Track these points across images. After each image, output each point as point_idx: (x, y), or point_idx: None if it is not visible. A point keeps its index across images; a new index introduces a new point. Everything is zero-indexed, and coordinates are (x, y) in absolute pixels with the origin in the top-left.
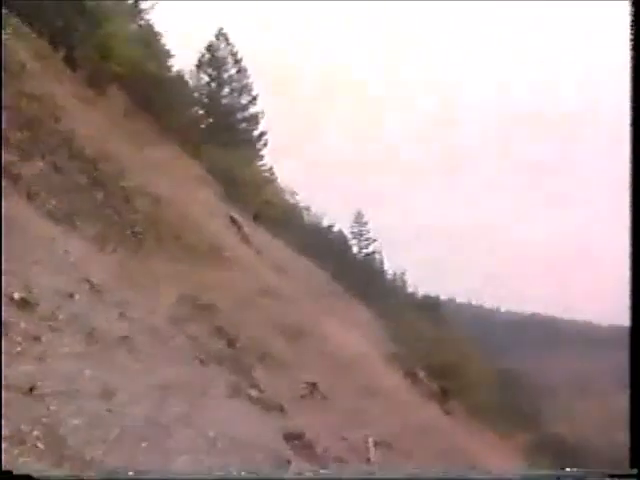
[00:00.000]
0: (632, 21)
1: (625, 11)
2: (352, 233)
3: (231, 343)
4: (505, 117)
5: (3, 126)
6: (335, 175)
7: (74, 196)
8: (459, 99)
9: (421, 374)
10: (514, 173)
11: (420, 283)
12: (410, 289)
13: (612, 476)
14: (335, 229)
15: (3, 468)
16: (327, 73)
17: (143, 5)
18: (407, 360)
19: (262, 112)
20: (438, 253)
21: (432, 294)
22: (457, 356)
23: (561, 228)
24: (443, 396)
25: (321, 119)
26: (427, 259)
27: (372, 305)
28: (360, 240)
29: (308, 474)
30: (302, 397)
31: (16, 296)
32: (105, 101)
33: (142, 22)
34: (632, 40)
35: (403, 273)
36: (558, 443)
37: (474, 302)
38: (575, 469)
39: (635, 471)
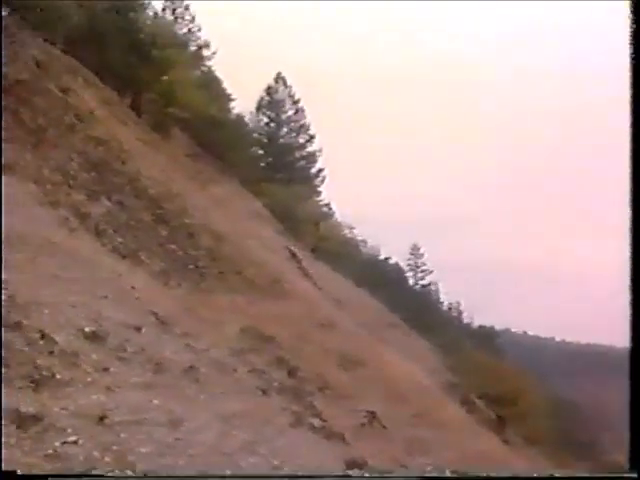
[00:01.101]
0: (632, 20)
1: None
2: (408, 265)
3: (292, 373)
4: None
5: (74, 169)
6: (392, 207)
7: (139, 233)
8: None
9: (478, 403)
10: (573, 209)
11: (476, 313)
12: (466, 319)
13: (613, 478)
14: (392, 261)
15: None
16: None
17: (205, 53)
18: (464, 389)
19: (319, 150)
20: (495, 284)
21: (487, 324)
22: (513, 385)
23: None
24: (500, 425)
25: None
26: (483, 290)
27: (429, 335)
28: (416, 272)
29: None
30: (362, 426)
31: (87, 329)
32: (169, 143)
33: (204, 68)
34: (632, 40)
35: (459, 303)
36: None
37: (529, 332)
38: (576, 471)
39: (635, 472)
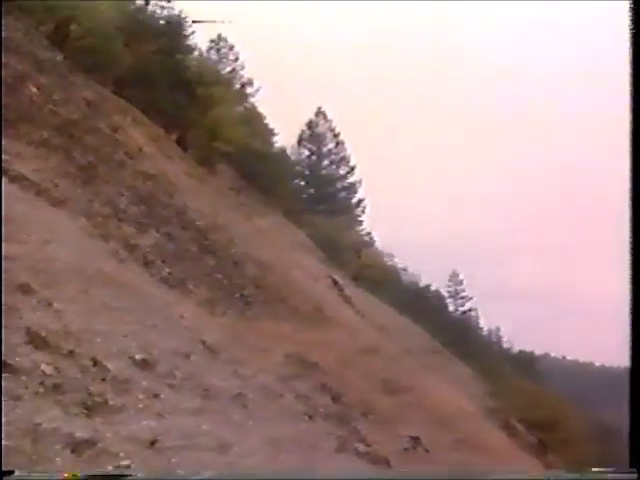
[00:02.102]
0: (632, 21)
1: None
2: (448, 292)
3: (336, 399)
4: None
5: (124, 203)
6: (432, 235)
7: (187, 263)
8: None
9: (519, 427)
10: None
11: (515, 339)
12: (505, 345)
13: (613, 477)
14: (432, 288)
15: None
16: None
17: (248, 90)
18: (505, 414)
19: (360, 181)
20: (535, 310)
21: (527, 349)
22: (553, 410)
23: None
24: (541, 449)
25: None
26: (523, 316)
27: (469, 361)
28: (456, 298)
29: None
30: (405, 450)
31: (137, 357)
32: (214, 177)
33: (247, 105)
34: (632, 40)
35: (498, 329)
36: None
37: (568, 357)
38: (576, 470)
39: (635, 471)
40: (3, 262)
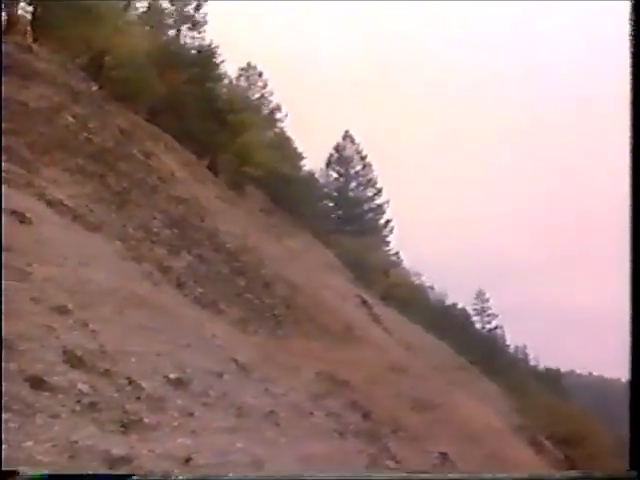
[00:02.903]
0: (632, 21)
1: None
2: (475, 310)
3: (366, 416)
4: None
5: (157, 226)
6: (458, 254)
7: (218, 284)
8: None
9: (546, 444)
10: None
11: (541, 356)
12: (532, 362)
13: (612, 477)
14: (458, 306)
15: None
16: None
17: (277, 115)
18: (532, 430)
19: (387, 202)
20: (560, 327)
21: (553, 366)
22: (580, 426)
23: None
24: (569, 465)
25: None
26: (549, 333)
27: (496, 378)
28: (483, 316)
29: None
30: (434, 466)
31: (172, 376)
32: (244, 200)
33: (276, 130)
34: (632, 40)
35: (525, 346)
36: None
37: (595, 373)
38: (574, 471)
39: (634, 472)
40: (41, 284)
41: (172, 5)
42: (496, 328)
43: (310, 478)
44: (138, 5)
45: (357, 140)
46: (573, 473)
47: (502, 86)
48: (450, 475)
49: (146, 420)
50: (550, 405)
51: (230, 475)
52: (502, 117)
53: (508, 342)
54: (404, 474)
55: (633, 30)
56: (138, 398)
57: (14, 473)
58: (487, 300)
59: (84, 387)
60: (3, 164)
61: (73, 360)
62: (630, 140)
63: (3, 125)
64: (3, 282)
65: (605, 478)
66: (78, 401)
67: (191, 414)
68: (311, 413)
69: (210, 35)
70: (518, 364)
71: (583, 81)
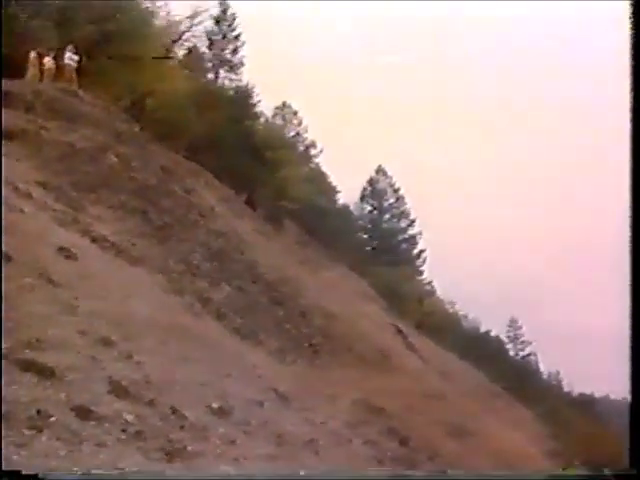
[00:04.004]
0: (632, 21)
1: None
2: (508, 337)
3: (403, 443)
4: None
5: (197, 259)
6: (491, 282)
7: (257, 315)
8: None
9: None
10: None
11: (575, 382)
12: (566, 388)
13: (613, 475)
14: (492, 334)
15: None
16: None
17: (312, 151)
18: (566, 456)
19: (420, 233)
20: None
21: (587, 392)
22: (614, 451)
23: None
24: None
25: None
26: (582, 359)
27: (531, 404)
28: (516, 343)
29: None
30: None
31: (214, 405)
32: (281, 233)
33: (311, 165)
34: (632, 40)
35: (558, 372)
36: None
37: (629, 399)
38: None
39: (635, 471)
40: (87, 317)
41: (210, 50)
42: (529, 355)
43: (310, 478)
44: (178, 50)
45: (390, 173)
46: (574, 472)
47: (537, 117)
48: (450, 475)
49: (190, 448)
50: (584, 430)
51: (232, 475)
52: (533, 144)
53: (541, 369)
54: (404, 474)
55: (633, 30)
56: (182, 427)
57: (35, 477)
58: (520, 327)
59: (129, 416)
60: (50, 202)
61: (118, 390)
62: None
63: (51, 165)
64: (47, 312)
65: (605, 476)
66: (124, 430)
67: (233, 442)
68: (349, 440)
69: (246, 76)
70: (552, 390)
71: None
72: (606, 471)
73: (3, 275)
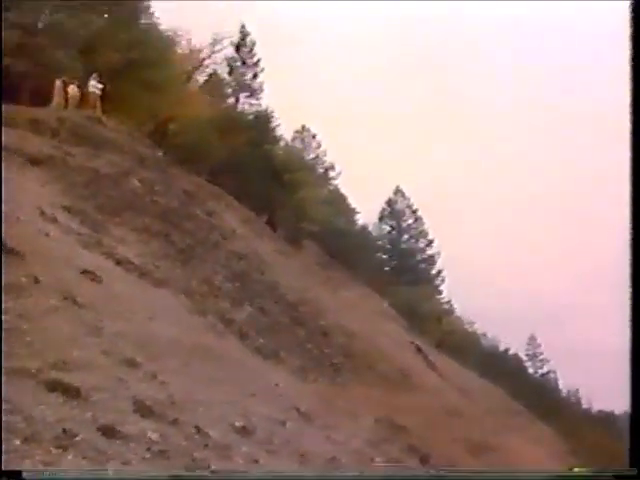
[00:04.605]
0: (632, 21)
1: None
2: (527, 355)
3: (424, 460)
4: None
5: (220, 280)
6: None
7: (279, 334)
8: None
9: None
10: None
11: (594, 399)
12: (585, 405)
13: (613, 476)
14: (511, 352)
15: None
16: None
17: (330, 173)
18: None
19: (438, 253)
20: (611, 370)
21: (606, 409)
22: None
23: None
24: None
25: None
26: (600, 376)
27: (550, 421)
28: (535, 361)
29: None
30: None
31: (237, 424)
32: (302, 254)
33: (330, 187)
34: (632, 40)
35: (577, 390)
36: None
37: None
38: (577, 469)
39: (635, 471)
40: (112, 338)
41: (231, 75)
42: (548, 373)
43: (310, 478)
44: (199, 77)
45: (407, 194)
46: (574, 472)
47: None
48: (453, 474)
49: (213, 467)
50: (604, 447)
51: (231, 475)
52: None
53: (561, 386)
54: (403, 474)
55: (633, 30)
56: (206, 446)
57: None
58: (539, 345)
59: (154, 435)
60: (75, 225)
61: (143, 410)
62: None
63: (75, 190)
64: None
65: (606, 476)
66: (148, 449)
67: (256, 461)
68: (371, 459)
69: (266, 101)
70: (571, 407)
71: None
72: (608, 472)
73: (29, 297)
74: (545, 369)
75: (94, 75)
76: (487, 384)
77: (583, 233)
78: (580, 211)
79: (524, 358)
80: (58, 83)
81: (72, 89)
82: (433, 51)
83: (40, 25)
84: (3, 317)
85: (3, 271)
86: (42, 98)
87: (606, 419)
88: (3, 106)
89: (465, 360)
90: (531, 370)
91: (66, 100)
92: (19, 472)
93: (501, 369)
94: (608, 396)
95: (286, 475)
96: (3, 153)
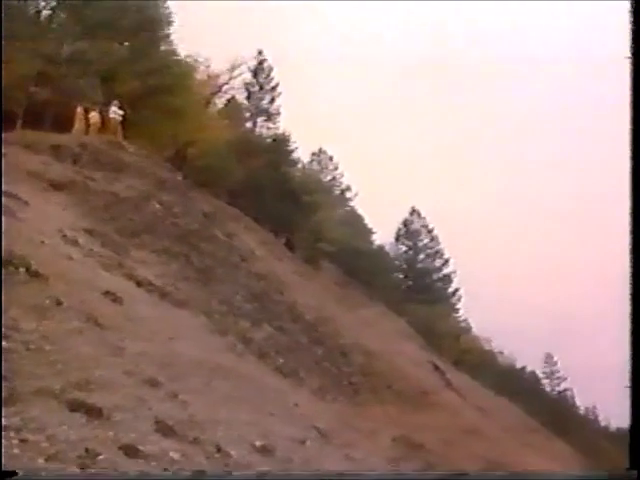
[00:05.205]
0: (632, 20)
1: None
2: (544, 373)
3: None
4: None
5: (239, 301)
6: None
7: (298, 354)
8: None
9: None
10: None
11: (612, 416)
12: (602, 422)
13: (613, 477)
14: (528, 370)
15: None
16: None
17: (347, 195)
18: None
19: (454, 272)
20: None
21: (624, 426)
22: None
23: None
24: None
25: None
26: (618, 393)
27: (568, 438)
28: (552, 379)
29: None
30: None
31: (257, 444)
32: (320, 274)
33: (347, 208)
34: (632, 40)
35: (595, 407)
36: None
37: None
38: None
39: (635, 472)
40: (134, 358)
41: (248, 100)
42: (565, 390)
43: (310, 478)
44: (218, 101)
45: (423, 214)
46: (574, 473)
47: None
48: (451, 475)
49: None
50: (623, 464)
51: (231, 475)
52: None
53: (578, 403)
54: (404, 474)
55: (633, 30)
56: (226, 465)
57: (13, 473)
58: (555, 363)
59: (175, 455)
60: (96, 248)
61: (165, 429)
62: None
63: (96, 213)
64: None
65: (605, 478)
66: (169, 468)
67: None
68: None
69: (283, 124)
70: (589, 425)
71: None
72: (606, 473)
73: (53, 319)
74: (562, 387)
75: (115, 102)
76: (504, 402)
77: (602, 252)
78: (600, 230)
79: (541, 376)
80: (80, 110)
81: (93, 116)
82: (451, 72)
83: (63, 54)
84: (27, 338)
85: (27, 293)
86: (64, 124)
87: (625, 437)
88: (27, 132)
89: (482, 378)
90: (548, 388)
91: (88, 126)
92: (14, 472)
93: (518, 387)
94: (627, 413)
95: (287, 475)
96: (27, 178)
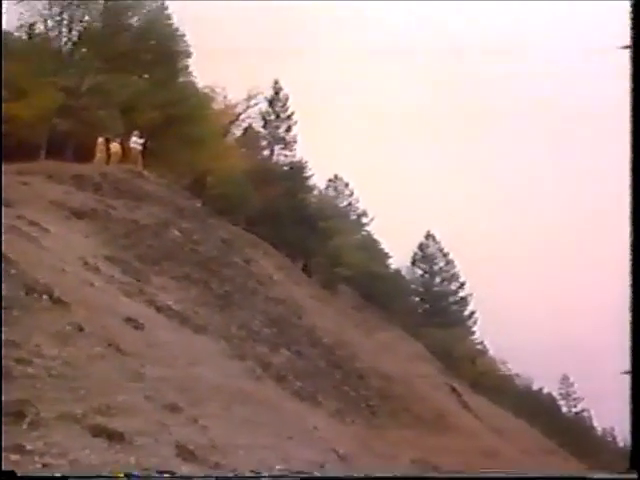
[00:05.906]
0: (632, 20)
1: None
2: (560, 394)
3: None
4: None
5: (258, 325)
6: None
7: (316, 378)
8: None
9: None
10: None
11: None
12: (620, 443)
13: (613, 478)
14: (544, 391)
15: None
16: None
17: (363, 220)
18: None
19: (470, 295)
20: None
21: None
22: None
23: None
24: None
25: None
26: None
27: (586, 460)
28: (568, 400)
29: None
30: None
31: (277, 468)
32: (337, 298)
33: (364, 233)
34: (632, 41)
35: (612, 428)
36: None
37: None
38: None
39: (635, 472)
40: (154, 383)
41: (265, 128)
42: (582, 411)
43: (310, 478)
44: (235, 130)
45: (438, 238)
46: (573, 473)
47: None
48: (452, 474)
49: None
50: None
51: (231, 475)
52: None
53: (595, 424)
54: (404, 474)
55: (633, 29)
56: None
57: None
58: (572, 384)
59: None
60: (117, 274)
61: (185, 454)
62: None
63: (117, 241)
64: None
65: (605, 478)
66: None
67: None
68: None
69: (300, 151)
70: (607, 446)
71: None
72: (606, 473)
73: (75, 345)
74: (579, 408)
75: (135, 132)
76: (522, 423)
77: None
78: (615, 253)
79: (557, 397)
80: (100, 140)
81: (114, 146)
82: (464, 96)
83: (84, 87)
84: (50, 364)
85: (50, 320)
86: (86, 155)
87: None
88: (50, 162)
89: (499, 400)
90: (565, 409)
91: (108, 156)
92: (13, 472)
93: (535, 408)
94: None
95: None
96: (50, 207)
